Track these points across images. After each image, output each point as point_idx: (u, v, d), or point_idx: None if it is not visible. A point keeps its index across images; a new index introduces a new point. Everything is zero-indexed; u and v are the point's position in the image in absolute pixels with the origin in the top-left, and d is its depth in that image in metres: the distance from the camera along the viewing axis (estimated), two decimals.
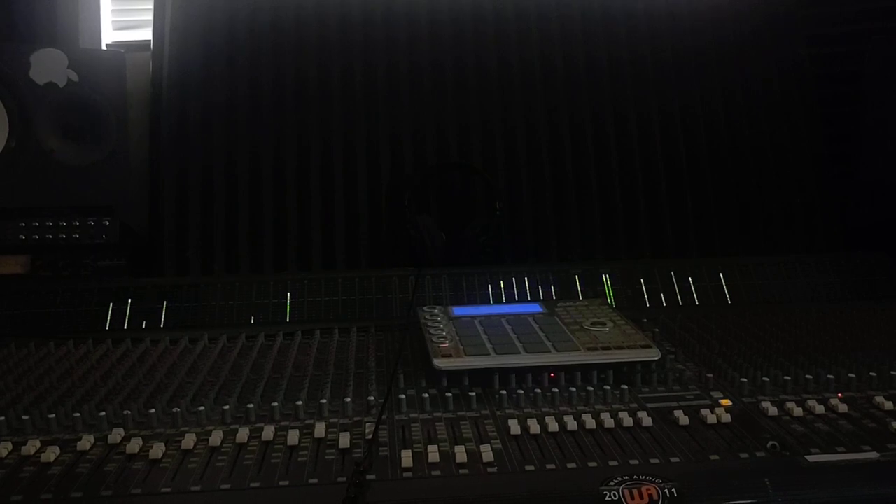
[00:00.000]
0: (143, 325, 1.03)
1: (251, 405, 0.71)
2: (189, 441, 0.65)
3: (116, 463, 0.63)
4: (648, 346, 0.80)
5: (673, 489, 0.56)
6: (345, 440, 0.65)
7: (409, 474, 0.60)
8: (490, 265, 1.13)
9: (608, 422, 0.67)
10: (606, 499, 0.56)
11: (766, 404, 0.70)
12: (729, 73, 1.38)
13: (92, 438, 0.66)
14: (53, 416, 0.70)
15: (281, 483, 0.59)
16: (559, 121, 1.35)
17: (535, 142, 1.35)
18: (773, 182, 1.35)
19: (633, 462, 0.60)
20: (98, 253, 1.16)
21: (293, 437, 0.65)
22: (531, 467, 0.60)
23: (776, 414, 0.69)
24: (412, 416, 0.71)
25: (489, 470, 0.60)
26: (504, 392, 0.74)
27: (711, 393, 0.75)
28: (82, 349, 0.93)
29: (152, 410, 0.71)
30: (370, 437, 0.65)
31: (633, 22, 1.39)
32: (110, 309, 1.04)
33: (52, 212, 1.16)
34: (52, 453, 0.63)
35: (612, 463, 0.60)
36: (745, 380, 0.75)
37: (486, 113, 1.35)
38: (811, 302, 1.08)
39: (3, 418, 0.70)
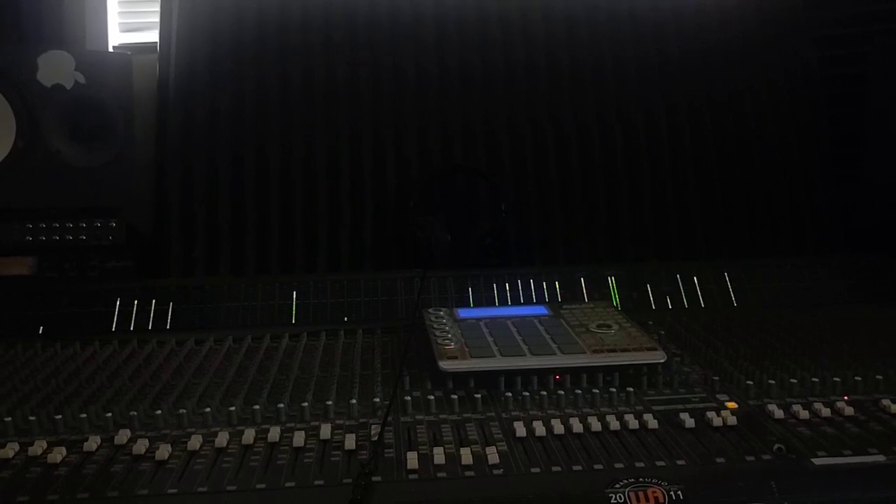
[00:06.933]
0: (150, 327, 1.03)
1: (257, 406, 0.71)
2: (195, 442, 0.65)
3: (123, 464, 0.63)
4: (654, 349, 0.80)
5: (679, 492, 0.56)
6: (350, 442, 0.65)
7: (414, 476, 0.60)
8: (495, 267, 1.13)
9: (614, 424, 0.67)
10: (612, 501, 0.56)
11: (772, 407, 0.70)
12: (735, 76, 1.38)
13: (98, 439, 0.66)
14: (60, 417, 0.70)
15: (287, 484, 0.59)
16: (565, 122, 1.35)
17: (542, 143, 1.35)
18: (779, 184, 1.35)
19: (639, 464, 0.60)
20: (104, 254, 1.16)
21: (299, 438, 0.66)
22: (537, 469, 0.60)
23: (782, 417, 0.69)
24: (418, 417, 0.71)
25: (495, 472, 0.60)
26: (509, 394, 0.74)
27: (717, 395, 0.74)
28: (88, 350, 0.93)
29: (158, 411, 0.71)
30: (376, 438, 0.65)
31: (640, 24, 1.39)
32: (116, 310, 1.04)
33: (58, 213, 1.16)
34: (58, 454, 0.63)
35: (618, 465, 0.60)
36: (750, 382, 0.75)
37: (492, 114, 1.35)
38: (816, 304, 1.08)
39: (9, 419, 0.70)
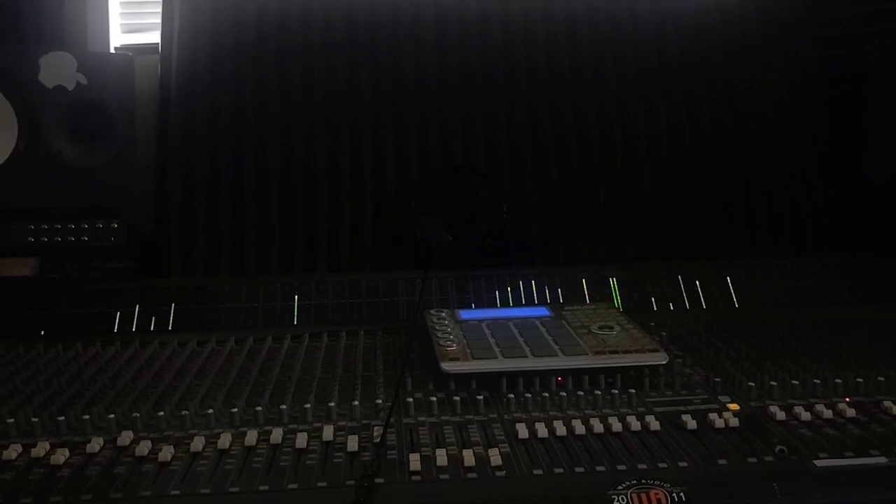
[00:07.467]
0: (151, 328, 1.03)
1: (259, 408, 0.71)
2: (198, 444, 0.65)
3: (125, 465, 0.63)
4: (656, 350, 0.80)
5: (681, 493, 0.56)
6: (353, 443, 0.65)
7: (417, 478, 0.60)
8: (497, 268, 1.13)
9: (616, 426, 0.67)
10: (615, 503, 0.56)
11: (773, 408, 0.70)
12: (735, 76, 1.38)
13: (101, 441, 0.67)
14: (63, 418, 0.70)
15: (289, 486, 0.59)
16: (565, 122, 1.35)
17: (542, 143, 1.35)
18: (779, 184, 1.35)
19: (642, 466, 0.60)
20: (106, 255, 1.16)
21: (301, 440, 0.66)
22: (539, 471, 0.60)
23: (784, 418, 0.69)
24: (420, 419, 0.71)
25: (497, 474, 0.60)
26: (512, 396, 0.74)
27: (719, 397, 0.74)
28: (91, 351, 0.93)
29: (161, 413, 0.71)
30: (378, 440, 0.65)
31: (640, 24, 1.39)
32: (118, 311, 1.04)
33: (60, 214, 1.16)
34: (61, 455, 0.64)
35: (621, 467, 0.60)
36: (752, 384, 0.75)
37: (492, 114, 1.35)
38: (816, 304, 1.08)
39: (12, 420, 0.70)
